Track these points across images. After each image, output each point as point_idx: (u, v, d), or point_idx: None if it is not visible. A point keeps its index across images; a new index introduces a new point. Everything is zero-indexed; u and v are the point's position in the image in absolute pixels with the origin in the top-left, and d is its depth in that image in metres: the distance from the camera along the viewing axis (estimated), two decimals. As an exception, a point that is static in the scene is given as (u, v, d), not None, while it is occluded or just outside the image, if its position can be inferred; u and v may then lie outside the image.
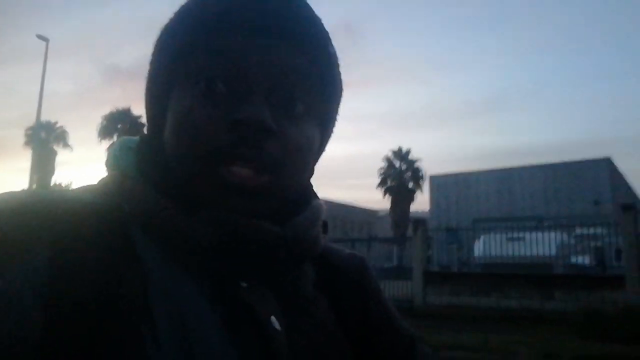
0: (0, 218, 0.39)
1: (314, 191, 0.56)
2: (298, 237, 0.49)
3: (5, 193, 0.43)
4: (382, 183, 30.50)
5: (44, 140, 30.35)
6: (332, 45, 0.51)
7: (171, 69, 0.49)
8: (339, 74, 0.53)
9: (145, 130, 0.55)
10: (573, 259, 13.34)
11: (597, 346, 6.31)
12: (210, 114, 0.45)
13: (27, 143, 26.98)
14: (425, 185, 33.30)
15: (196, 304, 0.43)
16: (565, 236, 13.61)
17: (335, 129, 0.56)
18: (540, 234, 12.91)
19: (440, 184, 35.84)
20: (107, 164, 0.53)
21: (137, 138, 0.54)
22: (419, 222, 12.12)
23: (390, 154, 30.78)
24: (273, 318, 0.46)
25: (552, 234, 13.52)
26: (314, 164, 0.54)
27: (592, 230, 13.27)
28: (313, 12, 0.50)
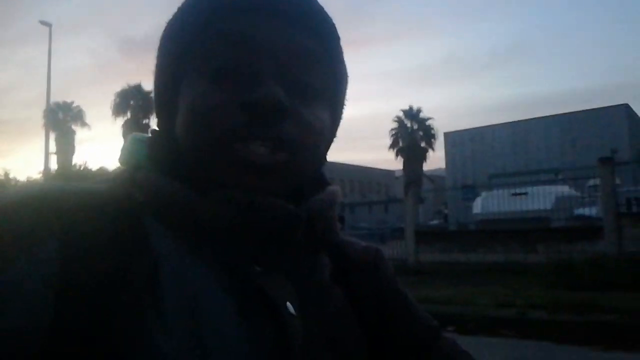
0: (11, 210, 0.40)
1: (326, 179, 0.57)
2: (314, 216, 0.50)
3: (19, 187, 0.44)
4: (394, 144, 30.68)
5: (62, 120, 31.39)
6: (337, 30, 0.53)
7: (181, 57, 0.49)
8: (344, 58, 0.54)
9: (155, 122, 0.55)
10: (580, 211, 13.50)
11: (556, 293, 6.72)
12: (225, 96, 0.46)
13: (44, 125, 27.98)
14: (438, 144, 33.32)
15: (209, 290, 0.43)
16: (567, 189, 13.77)
17: (344, 114, 0.56)
18: (543, 188, 13.14)
19: (456, 140, 35.69)
20: (120, 160, 0.54)
21: (147, 135, 0.55)
22: (410, 184, 12.54)
23: (401, 114, 30.80)
24: (288, 303, 0.46)
25: (553, 188, 13.73)
26: (327, 150, 0.54)
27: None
28: None
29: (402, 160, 30.96)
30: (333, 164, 41.42)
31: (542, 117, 33.95)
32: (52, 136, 30.79)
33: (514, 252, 10.29)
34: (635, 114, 32.11)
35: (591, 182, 13.95)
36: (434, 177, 42.52)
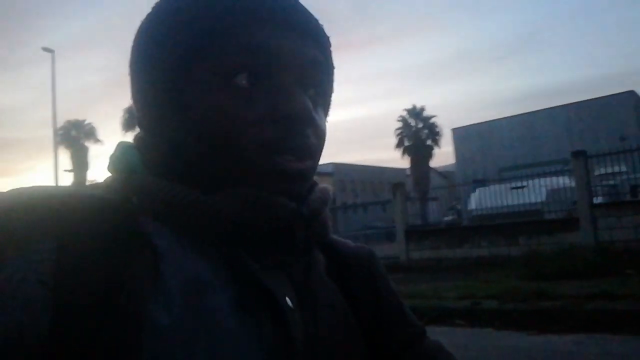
0: (7, 212, 0.40)
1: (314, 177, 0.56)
2: (313, 213, 0.51)
3: (14, 189, 0.43)
4: (399, 143, 31.10)
5: (75, 138, 32.61)
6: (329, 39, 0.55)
7: (188, 61, 0.48)
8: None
9: (138, 127, 0.54)
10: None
11: (518, 284, 7.17)
12: (257, 110, 0.46)
13: (53, 143, 29.21)
14: (444, 140, 33.50)
15: (209, 283, 0.44)
16: (567, 180, 14.03)
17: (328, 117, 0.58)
18: (540, 181, 13.47)
19: (464, 135, 35.91)
20: (109, 168, 0.53)
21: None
22: (398, 185, 12.99)
23: (404, 114, 31.21)
24: (287, 298, 0.47)
25: (549, 180, 14.01)
26: None
27: (611, 169, 13.41)
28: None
29: (408, 158, 31.32)
30: (344, 165, 41.87)
31: (549, 107, 33.96)
32: (67, 153, 32.16)
33: (498, 245, 10.74)
34: (643, 100, 31.90)
35: (599, 171, 14.09)
36: (446, 173, 42.68)
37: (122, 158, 0.52)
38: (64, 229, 0.40)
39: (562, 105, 33.48)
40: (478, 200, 15.24)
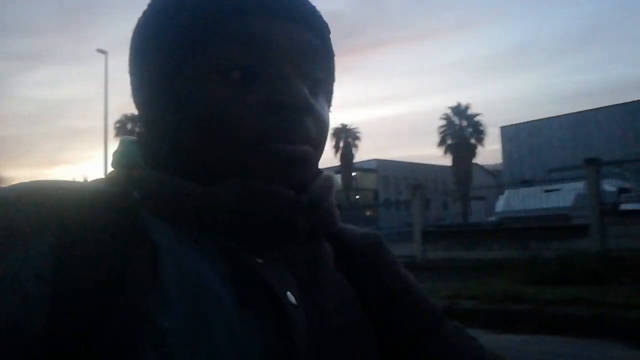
0: (7, 205, 0.40)
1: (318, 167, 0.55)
2: (315, 203, 0.50)
3: (15, 184, 0.43)
4: (442, 141, 31.06)
5: (131, 131, 34.66)
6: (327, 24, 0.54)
7: (183, 53, 0.48)
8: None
9: (139, 122, 0.55)
10: (629, 206, 13.43)
11: (510, 286, 7.50)
12: (252, 99, 0.46)
13: (116, 135, 31.25)
14: (489, 139, 33.04)
15: (209, 279, 0.43)
16: (608, 184, 13.86)
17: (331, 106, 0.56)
18: (571, 185, 13.47)
19: (512, 134, 35.27)
20: (113, 163, 0.53)
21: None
22: (417, 186, 13.39)
23: (449, 112, 31.12)
24: (289, 293, 0.46)
25: (580, 184, 13.94)
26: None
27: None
28: None
29: (451, 157, 31.26)
30: (387, 161, 41.97)
31: (602, 107, 32.79)
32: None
33: (509, 249, 10.97)
34: None
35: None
36: (496, 171, 41.95)
37: (124, 153, 0.53)
38: (63, 223, 0.40)
39: (615, 105, 32.25)
40: (506, 202, 15.34)
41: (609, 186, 13.30)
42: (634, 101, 31.32)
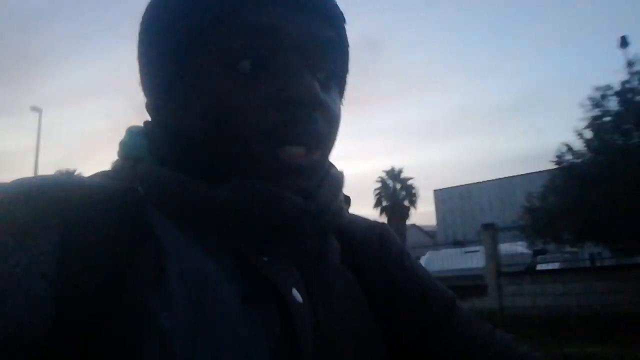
0: (12, 203, 0.40)
1: (329, 160, 0.54)
2: (321, 209, 0.49)
3: (18, 179, 0.43)
4: (377, 203, 32.22)
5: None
6: (343, 14, 0.53)
7: (190, 44, 0.47)
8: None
9: (147, 110, 0.53)
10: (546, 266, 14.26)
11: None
12: (259, 94, 0.45)
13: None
14: (426, 201, 34.33)
15: (213, 277, 0.43)
16: (520, 247, 14.81)
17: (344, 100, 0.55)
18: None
19: (445, 197, 36.96)
20: (119, 154, 0.53)
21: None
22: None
23: (383, 175, 32.51)
24: (294, 291, 0.46)
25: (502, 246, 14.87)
26: None
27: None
28: None
29: (386, 218, 32.38)
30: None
31: (527, 173, 35.14)
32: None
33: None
34: None
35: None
36: (432, 232, 43.42)
37: (130, 144, 0.52)
38: (67, 221, 0.40)
39: (539, 172, 34.64)
40: (427, 263, 16.13)
41: (521, 248, 14.37)
42: (554, 168, 33.69)
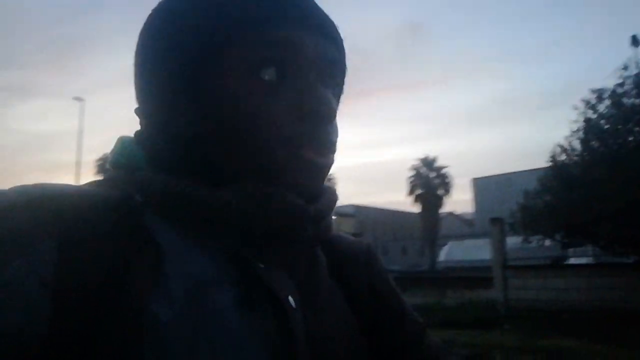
0: (9, 211, 0.40)
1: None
2: (320, 215, 0.51)
3: (17, 186, 0.43)
4: (411, 191, 32.52)
5: (107, 170, 35.33)
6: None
7: (214, 50, 0.48)
8: None
9: (142, 119, 0.53)
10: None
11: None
12: (283, 103, 0.47)
13: (97, 173, 32.11)
14: (454, 190, 34.12)
15: (212, 280, 0.44)
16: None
17: None
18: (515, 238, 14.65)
19: (483, 185, 36.75)
20: (112, 164, 0.54)
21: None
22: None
23: (418, 163, 32.74)
24: (290, 297, 0.47)
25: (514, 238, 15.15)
26: None
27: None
28: None
29: (420, 205, 32.66)
30: (365, 207, 43.07)
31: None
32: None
33: (430, 296, 12.15)
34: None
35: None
36: (470, 221, 43.15)
37: (123, 153, 0.53)
38: (66, 229, 0.40)
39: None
40: (448, 252, 16.59)
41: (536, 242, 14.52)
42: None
